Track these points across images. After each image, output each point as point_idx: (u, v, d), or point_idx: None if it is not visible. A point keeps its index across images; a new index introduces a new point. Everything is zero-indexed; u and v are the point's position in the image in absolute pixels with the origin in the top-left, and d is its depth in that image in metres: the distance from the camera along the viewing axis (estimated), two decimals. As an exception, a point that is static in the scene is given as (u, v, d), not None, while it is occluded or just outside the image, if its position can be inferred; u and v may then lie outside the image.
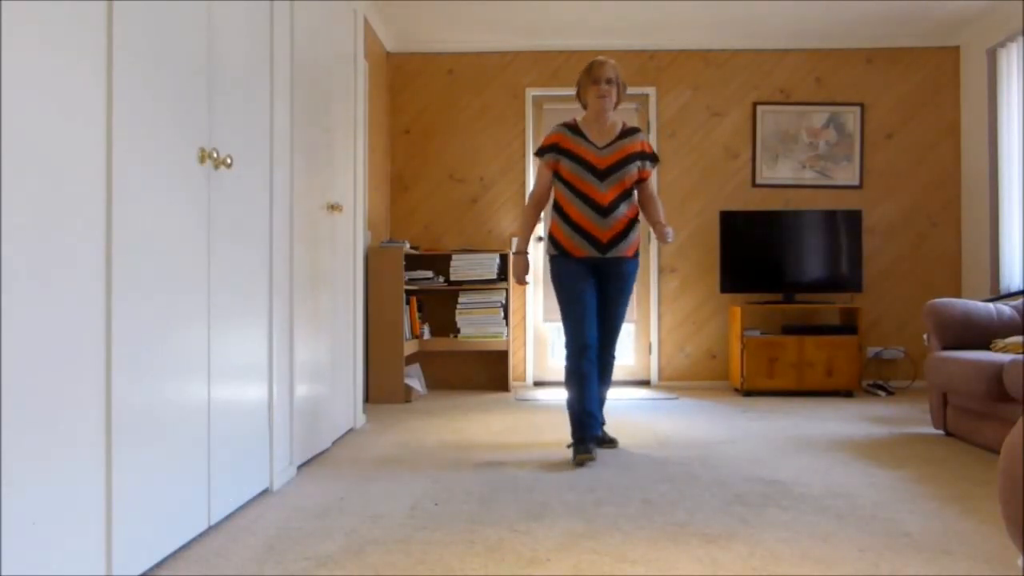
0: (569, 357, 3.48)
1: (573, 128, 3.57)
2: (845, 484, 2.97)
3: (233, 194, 2.54)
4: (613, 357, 3.67)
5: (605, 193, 3.48)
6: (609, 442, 3.70)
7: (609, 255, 3.51)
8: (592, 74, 3.57)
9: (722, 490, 2.88)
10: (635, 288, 6.01)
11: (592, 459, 3.33)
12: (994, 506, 2.67)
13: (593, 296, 3.53)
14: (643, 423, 4.36)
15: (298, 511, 2.62)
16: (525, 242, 3.68)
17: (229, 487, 2.51)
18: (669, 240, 3.53)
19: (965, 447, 3.69)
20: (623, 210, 3.52)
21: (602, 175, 3.48)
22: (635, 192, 3.61)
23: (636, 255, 3.63)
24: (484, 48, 6.09)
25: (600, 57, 3.62)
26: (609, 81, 3.55)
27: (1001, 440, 3.41)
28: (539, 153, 3.61)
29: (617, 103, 3.61)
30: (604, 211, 3.48)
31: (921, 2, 5.32)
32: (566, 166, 3.51)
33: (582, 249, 3.50)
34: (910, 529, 2.41)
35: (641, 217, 3.67)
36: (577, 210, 3.49)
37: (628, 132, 3.59)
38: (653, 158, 3.64)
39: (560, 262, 3.54)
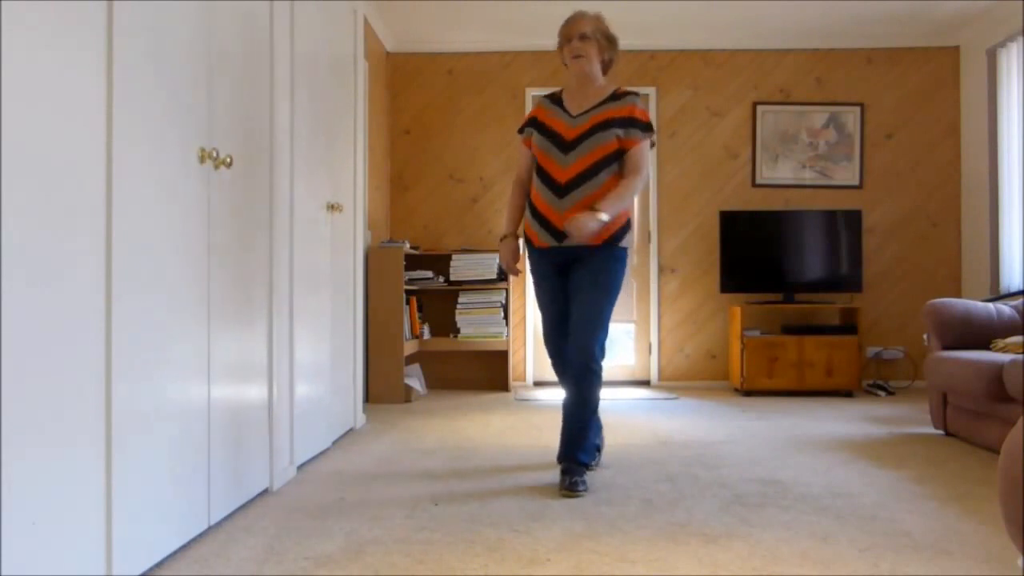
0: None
1: (555, 99, 3.09)
2: (845, 484, 2.97)
3: (233, 194, 2.54)
4: (588, 368, 2.90)
5: (566, 168, 2.93)
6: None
7: (567, 244, 2.95)
8: (564, 32, 3.02)
9: (722, 490, 2.88)
10: (634, 288, 6.05)
11: (575, 495, 2.79)
12: (994, 506, 2.67)
13: (564, 300, 3.05)
14: (643, 423, 4.36)
15: (298, 511, 2.62)
16: (511, 225, 3.19)
17: (229, 487, 2.51)
18: (579, 229, 2.80)
19: (965, 447, 3.69)
20: (588, 190, 2.90)
21: (568, 147, 2.94)
22: (609, 168, 2.94)
23: (611, 244, 2.95)
24: (484, 48, 6.09)
25: (581, 9, 3.07)
26: (584, 37, 2.98)
27: (1001, 440, 3.41)
28: (520, 130, 3.18)
29: (608, 63, 3.07)
30: (561, 190, 2.92)
31: (921, 2, 5.32)
32: (536, 141, 3.04)
33: (541, 238, 3.00)
34: (910, 529, 2.41)
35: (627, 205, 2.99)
36: (537, 192, 3.01)
37: (617, 96, 3.00)
38: (645, 126, 2.98)
39: (529, 255, 3.11)
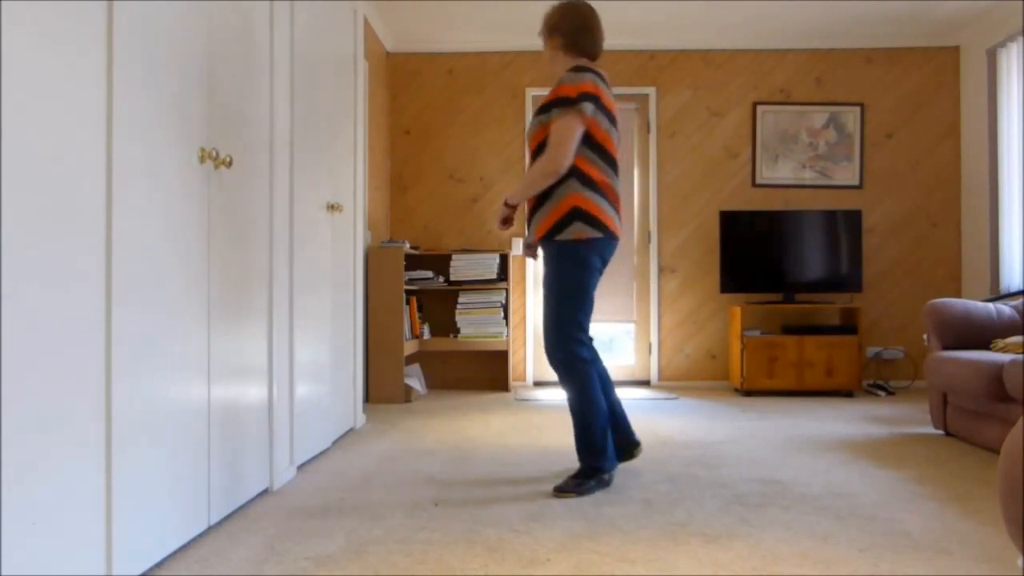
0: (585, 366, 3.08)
1: None
2: (845, 484, 2.97)
3: (233, 194, 2.54)
4: (555, 367, 2.92)
5: (527, 165, 3.11)
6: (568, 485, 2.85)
7: (529, 240, 3.04)
8: None
9: (722, 490, 2.88)
10: (634, 288, 6.05)
11: (560, 495, 2.79)
12: (994, 506, 2.67)
13: None
14: (643, 423, 4.36)
15: (298, 511, 2.62)
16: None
17: (229, 487, 2.51)
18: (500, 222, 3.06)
19: (965, 447, 3.69)
20: None
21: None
22: None
23: (550, 236, 2.87)
24: (484, 48, 6.09)
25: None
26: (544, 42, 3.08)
27: (1001, 440, 3.41)
28: None
29: (570, 47, 2.99)
30: None
31: (921, 2, 5.32)
32: None
33: None
34: (910, 529, 2.41)
35: (574, 193, 2.86)
36: None
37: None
38: (559, 102, 2.84)
39: None
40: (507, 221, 3.05)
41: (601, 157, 2.90)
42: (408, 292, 5.47)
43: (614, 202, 2.94)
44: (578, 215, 2.85)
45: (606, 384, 3.07)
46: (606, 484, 2.90)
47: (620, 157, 3.02)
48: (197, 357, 2.27)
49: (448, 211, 6.11)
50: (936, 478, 3.07)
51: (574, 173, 2.86)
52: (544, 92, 6.06)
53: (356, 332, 4.14)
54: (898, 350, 5.94)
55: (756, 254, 5.72)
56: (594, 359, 2.97)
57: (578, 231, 2.84)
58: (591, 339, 2.97)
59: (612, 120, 2.94)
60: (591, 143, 2.87)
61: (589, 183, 2.87)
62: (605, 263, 2.95)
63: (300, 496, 2.81)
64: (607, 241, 2.90)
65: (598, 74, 2.92)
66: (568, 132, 2.82)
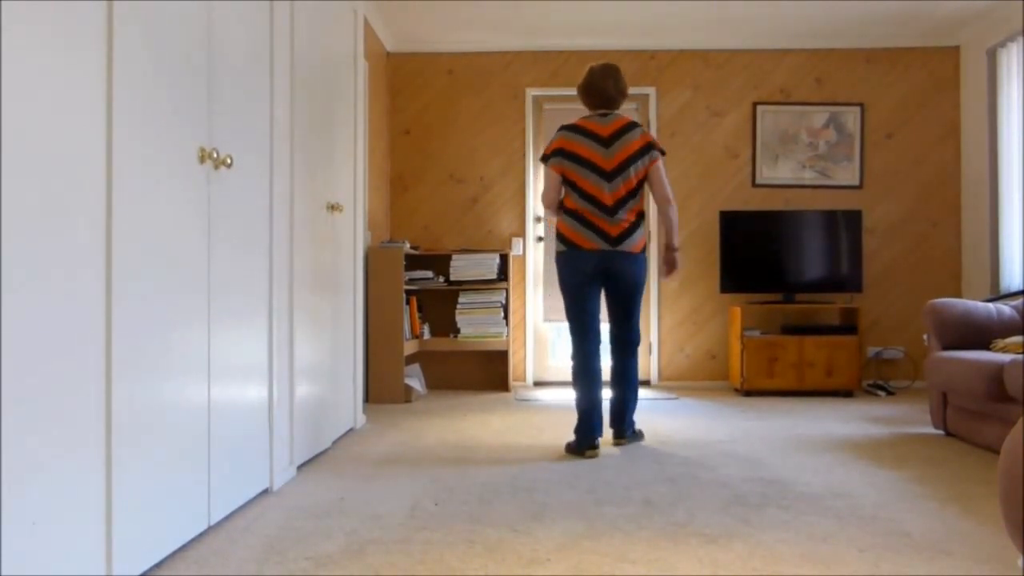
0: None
1: None
2: (845, 484, 2.97)
3: (233, 194, 2.54)
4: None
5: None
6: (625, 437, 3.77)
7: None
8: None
9: (722, 490, 2.88)
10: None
11: (595, 455, 3.49)
12: (994, 506, 2.67)
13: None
14: (643, 423, 4.36)
15: (298, 511, 2.62)
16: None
17: (229, 487, 2.51)
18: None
19: (965, 447, 3.69)
20: None
21: None
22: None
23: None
24: (484, 48, 6.09)
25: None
26: None
27: (1001, 440, 3.41)
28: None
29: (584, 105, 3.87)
30: None
31: (921, 2, 5.32)
32: None
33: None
34: (910, 529, 2.42)
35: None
36: None
37: None
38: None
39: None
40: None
41: (575, 191, 3.61)
42: (408, 292, 5.48)
43: (591, 223, 3.59)
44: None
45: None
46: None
47: (616, 168, 3.61)
48: (197, 357, 2.27)
49: (448, 211, 6.11)
50: (936, 478, 3.07)
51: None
52: (545, 92, 6.07)
53: (356, 332, 4.14)
54: (898, 350, 5.94)
55: (756, 254, 5.72)
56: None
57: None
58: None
59: (584, 159, 3.58)
60: (566, 182, 3.63)
61: (568, 211, 3.64)
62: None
63: (300, 496, 2.81)
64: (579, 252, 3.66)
65: (571, 127, 3.65)
66: (543, 182, 3.86)
